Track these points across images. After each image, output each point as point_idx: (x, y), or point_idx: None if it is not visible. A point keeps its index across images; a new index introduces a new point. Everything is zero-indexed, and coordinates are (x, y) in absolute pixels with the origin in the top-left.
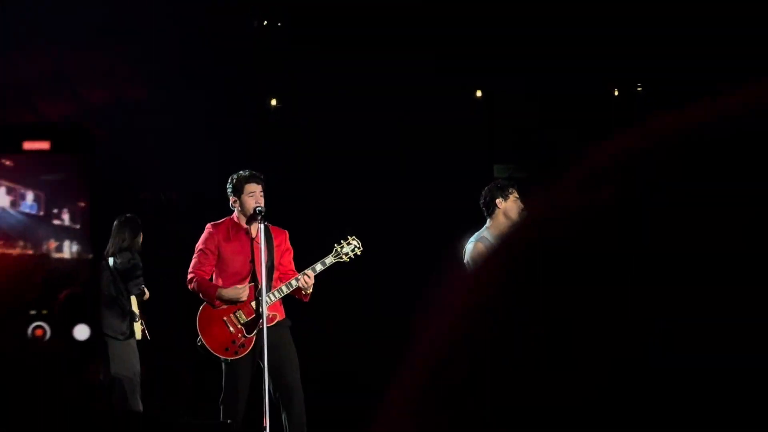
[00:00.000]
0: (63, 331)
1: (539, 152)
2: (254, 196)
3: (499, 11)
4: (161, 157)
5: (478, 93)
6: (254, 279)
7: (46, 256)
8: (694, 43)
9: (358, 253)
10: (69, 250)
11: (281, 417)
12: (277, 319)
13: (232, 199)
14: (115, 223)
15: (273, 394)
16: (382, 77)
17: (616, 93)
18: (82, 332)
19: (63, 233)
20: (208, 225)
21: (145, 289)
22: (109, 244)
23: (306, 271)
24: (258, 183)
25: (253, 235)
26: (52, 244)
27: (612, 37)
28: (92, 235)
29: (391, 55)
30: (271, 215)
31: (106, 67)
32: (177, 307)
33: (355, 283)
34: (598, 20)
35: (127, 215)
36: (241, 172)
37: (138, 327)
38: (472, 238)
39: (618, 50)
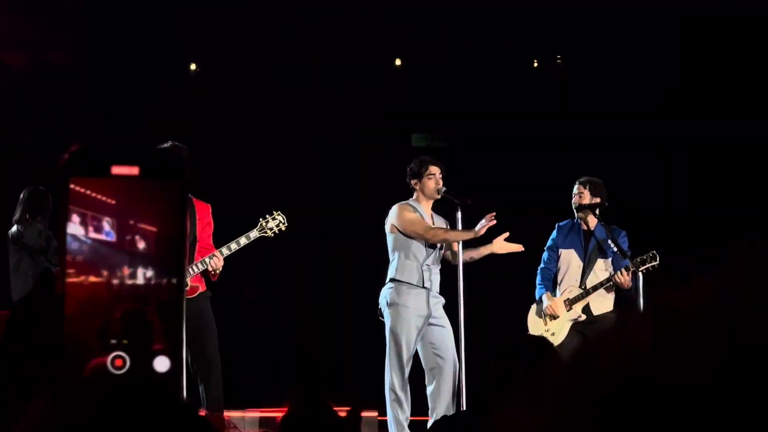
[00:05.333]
0: (142, 359)
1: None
2: None
3: None
4: None
5: (398, 62)
6: None
7: (120, 283)
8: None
9: (283, 228)
10: (143, 276)
11: (198, 389)
12: (199, 291)
13: None
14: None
15: (191, 366)
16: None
17: (536, 64)
18: (162, 364)
19: (136, 259)
20: None
21: None
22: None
23: (217, 252)
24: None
25: None
26: (126, 270)
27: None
28: (176, 261)
29: None
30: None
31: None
32: None
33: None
34: None
35: (39, 188)
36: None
37: None
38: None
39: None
